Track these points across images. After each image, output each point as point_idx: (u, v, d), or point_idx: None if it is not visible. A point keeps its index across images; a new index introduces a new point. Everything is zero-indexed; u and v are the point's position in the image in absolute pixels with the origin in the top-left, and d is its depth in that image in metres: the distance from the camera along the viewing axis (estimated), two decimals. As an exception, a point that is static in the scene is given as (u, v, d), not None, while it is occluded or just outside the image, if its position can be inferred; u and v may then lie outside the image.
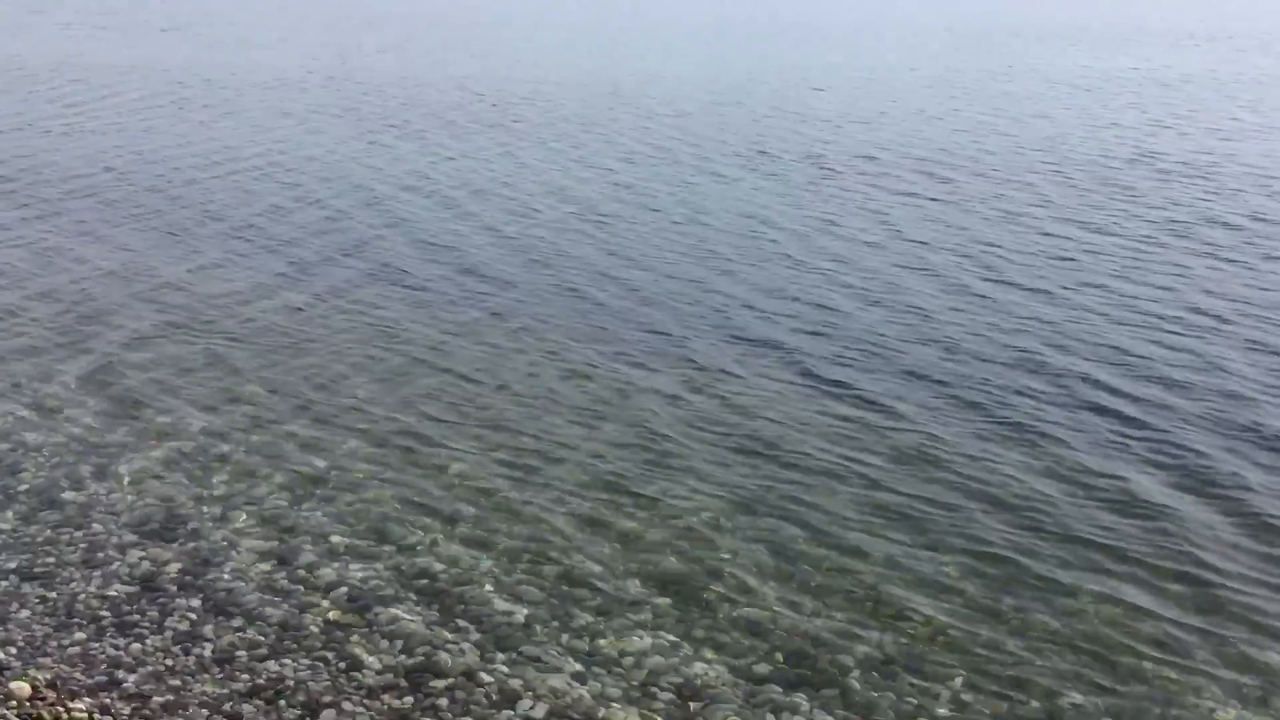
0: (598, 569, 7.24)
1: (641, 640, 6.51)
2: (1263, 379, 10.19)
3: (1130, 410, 9.56)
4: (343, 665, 6.26)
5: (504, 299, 12.67)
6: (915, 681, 6.18)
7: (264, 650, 6.39)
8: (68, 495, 8.09)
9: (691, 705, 5.98)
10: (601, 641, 6.48)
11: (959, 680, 6.18)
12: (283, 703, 5.95)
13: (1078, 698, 6.04)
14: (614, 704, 5.98)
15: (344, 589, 6.97)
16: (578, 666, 6.28)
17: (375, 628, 6.60)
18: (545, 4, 63.30)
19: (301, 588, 7.01)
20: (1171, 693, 6.10)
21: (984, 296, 12.67)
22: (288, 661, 6.29)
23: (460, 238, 15.24)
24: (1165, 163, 20.39)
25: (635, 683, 6.16)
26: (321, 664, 6.27)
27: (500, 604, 6.84)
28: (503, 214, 16.59)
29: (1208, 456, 8.71)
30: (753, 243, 15.07)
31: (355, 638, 6.51)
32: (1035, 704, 6.01)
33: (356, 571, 7.18)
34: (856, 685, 6.14)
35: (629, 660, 6.34)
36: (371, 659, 6.32)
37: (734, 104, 27.82)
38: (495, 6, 61.40)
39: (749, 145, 22.33)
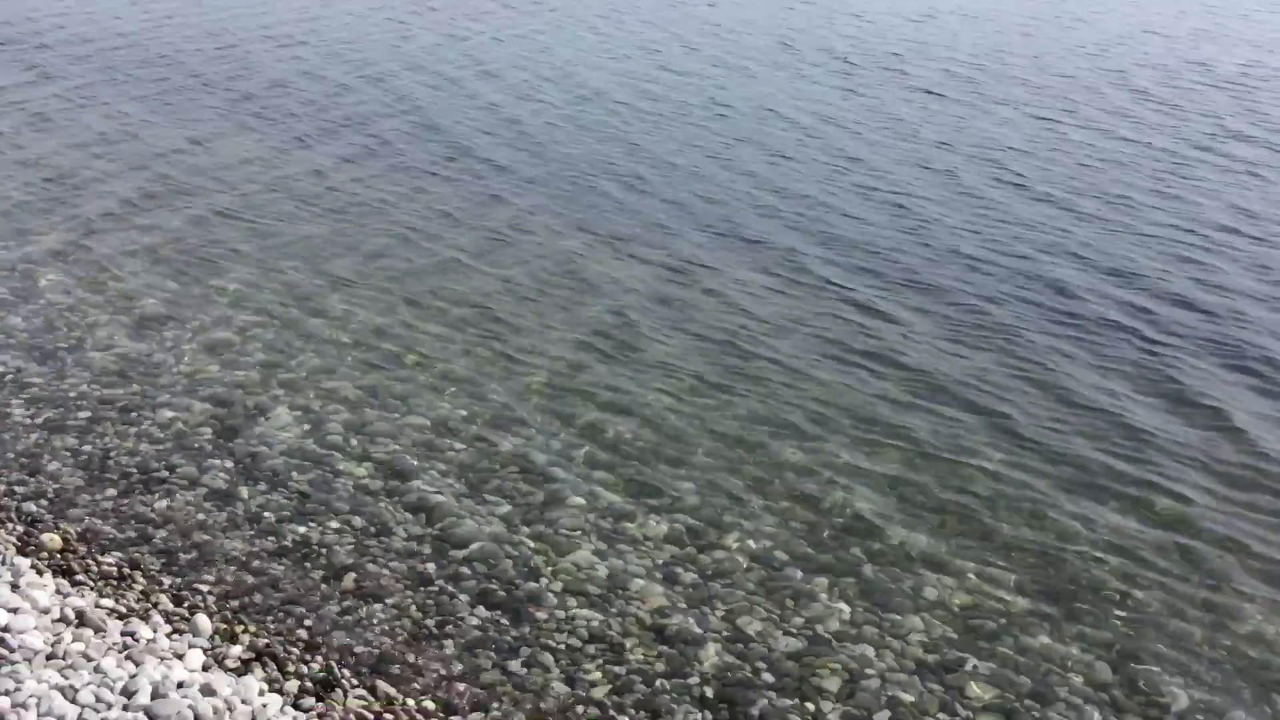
0: (620, 454, 7.32)
1: (662, 525, 6.61)
2: (1265, 302, 10.06)
3: (1122, 323, 9.45)
4: (372, 529, 6.39)
5: (499, 182, 12.63)
6: (927, 571, 6.28)
7: (290, 512, 6.51)
8: (98, 355, 8.20)
9: (711, 586, 6.09)
10: (628, 524, 6.58)
11: (930, 585, 6.28)
12: (308, 564, 6.07)
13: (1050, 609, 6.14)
14: (637, 579, 6.10)
15: (374, 460, 7.08)
16: (601, 545, 6.38)
17: (400, 497, 6.71)
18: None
19: (336, 453, 7.12)
20: (1135, 614, 6.19)
21: (991, 202, 12.45)
22: (314, 524, 6.41)
23: (463, 119, 15.14)
24: (1203, 74, 19.74)
25: (659, 562, 6.27)
26: (348, 528, 6.40)
27: (524, 485, 6.94)
28: (509, 97, 16.42)
29: (1193, 375, 8.66)
30: (764, 136, 14.83)
31: (383, 504, 6.63)
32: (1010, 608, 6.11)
33: (386, 442, 7.28)
34: (870, 574, 6.26)
35: (649, 544, 6.44)
36: (399, 527, 6.43)
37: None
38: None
39: (775, 38, 21.86)
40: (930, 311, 9.66)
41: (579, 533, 6.49)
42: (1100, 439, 7.74)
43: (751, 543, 6.49)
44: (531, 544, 6.35)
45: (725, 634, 5.74)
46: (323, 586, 5.92)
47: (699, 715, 5.20)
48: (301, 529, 6.37)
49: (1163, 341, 9.22)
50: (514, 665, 5.43)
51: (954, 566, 6.36)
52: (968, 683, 5.50)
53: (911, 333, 9.24)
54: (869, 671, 5.53)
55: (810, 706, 5.30)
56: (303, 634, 5.55)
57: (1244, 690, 5.57)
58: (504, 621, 5.72)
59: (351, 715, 4.92)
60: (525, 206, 11.87)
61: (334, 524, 6.42)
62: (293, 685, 5.09)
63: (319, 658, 5.36)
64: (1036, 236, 11.51)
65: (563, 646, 5.58)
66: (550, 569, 6.14)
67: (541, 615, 5.78)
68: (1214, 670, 5.69)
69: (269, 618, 5.67)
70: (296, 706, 4.96)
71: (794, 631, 5.79)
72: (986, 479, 7.22)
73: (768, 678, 5.47)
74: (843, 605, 6.00)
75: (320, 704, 4.98)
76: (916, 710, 5.32)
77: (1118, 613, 6.06)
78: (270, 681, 5.11)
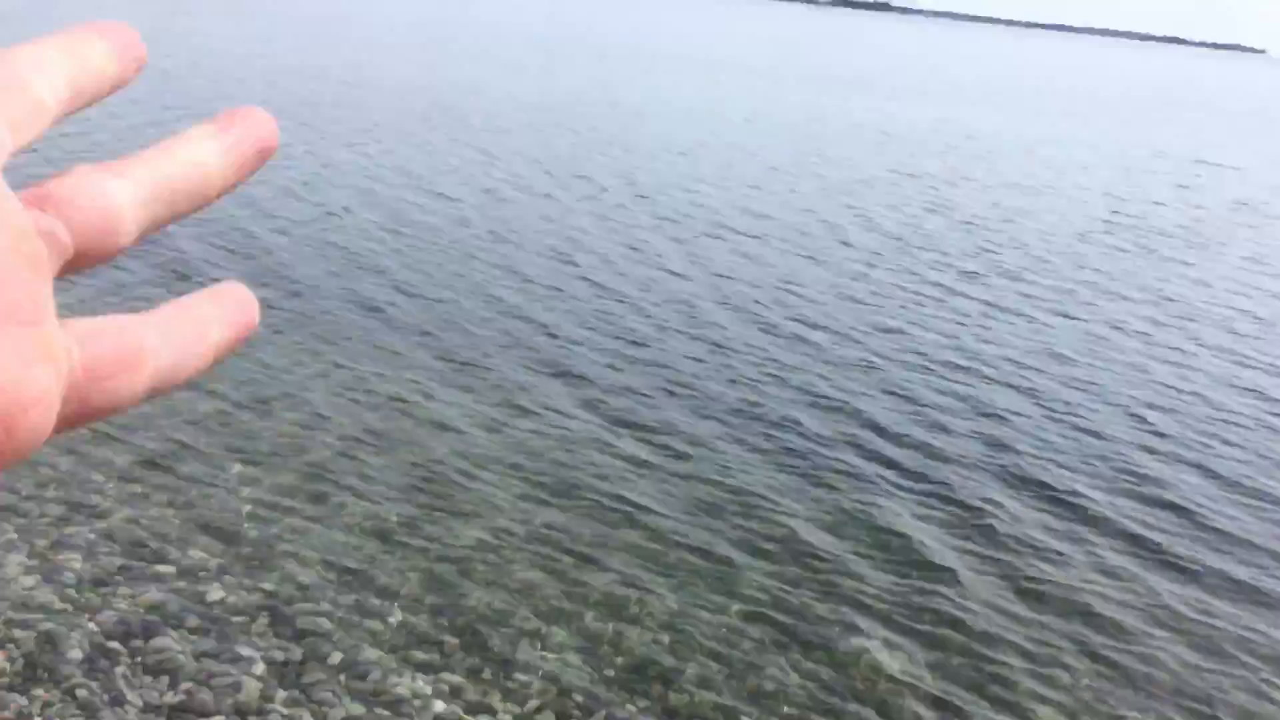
0: (384, 603, 6.98)
1: (430, 682, 6.30)
2: (1035, 424, 10.72)
3: (917, 455, 9.89)
4: (106, 699, 5.83)
5: (286, 310, 12.16)
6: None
7: (10, 678, 5.89)
8: None
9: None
10: (392, 679, 6.25)
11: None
12: (30, 739, 5.50)
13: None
14: (401, 743, 5.78)
15: (111, 613, 6.52)
16: (360, 709, 6.03)
17: (142, 657, 6.18)
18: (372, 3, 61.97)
19: (69, 605, 6.53)
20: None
21: (787, 334, 12.95)
22: (39, 693, 5.82)
23: (251, 239, 14.62)
24: (961, 214, 21.45)
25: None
26: (74, 697, 5.82)
27: (278, 638, 6.52)
28: (297, 217, 16.04)
29: (971, 495, 9.07)
30: (559, 267, 15.00)
31: (120, 669, 6.08)
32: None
33: (126, 594, 6.73)
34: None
35: (418, 702, 6.13)
36: (133, 694, 5.91)
37: (555, 124, 27.83)
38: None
39: (566, 167, 22.34)
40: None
41: (336, 694, 6.11)
42: (896, 569, 7.91)
43: (518, 704, 6.23)
44: (284, 711, 5.94)
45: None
46: (43, 771, 5.36)
47: None
48: (22, 700, 5.77)
49: (935, 462, 9.61)
50: None
51: (735, 712, 6.30)
52: None
53: (726, 479, 9.30)
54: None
55: None
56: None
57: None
58: (249, 804, 5.30)
59: None
60: (298, 340, 11.47)
61: (56, 693, 5.83)
62: None
63: None
64: (832, 367, 11.91)
65: (311, 830, 5.20)
66: (303, 739, 5.76)
67: (289, 796, 5.39)
68: None
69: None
70: None
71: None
72: (764, 615, 7.24)
73: None
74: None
75: None
76: None
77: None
78: None
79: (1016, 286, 16.19)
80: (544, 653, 6.64)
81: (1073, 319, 14.91)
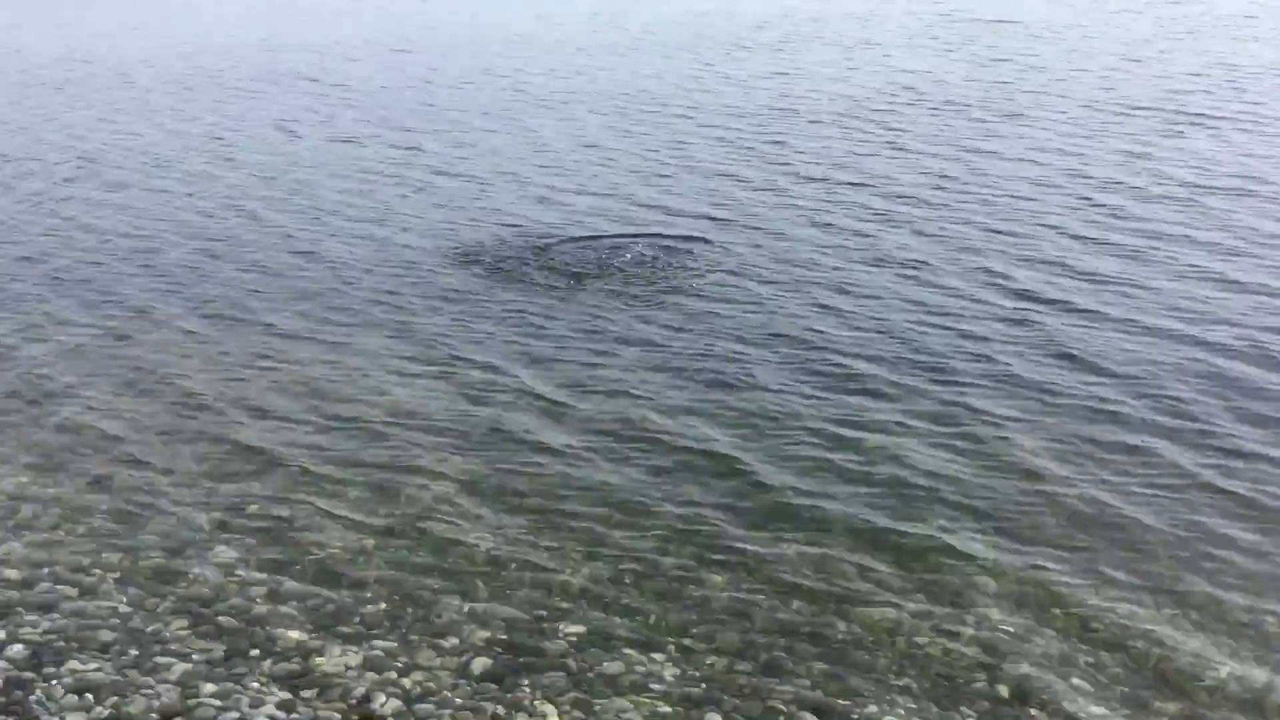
0: (298, 585, 6.93)
1: (355, 655, 6.27)
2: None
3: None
4: (26, 728, 5.69)
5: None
6: (631, 651, 6.25)
7: (-75, 724, 5.73)
8: None
9: (417, 709, 5.80)
10: (316, 659, 6.20)
11: (671, 646, 6.32)
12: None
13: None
14: (337, 727, 5.74)
15: (18, 645, 6.35)
16: (286, 695, 5.96)
17: (55, 681, 6.02)
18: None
19: (-29, 647, 6.33)
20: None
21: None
22: (-47, 736, 5.66)
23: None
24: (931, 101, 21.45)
25: (353, 701, 5.91)
26: (-3, 730, 5.69)
27: (198, 638, 6.41)
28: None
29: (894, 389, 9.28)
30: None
31: (33, 698, 5.91)
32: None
33: (33, 622, 6.55)
34: (574, 665, 6.17)
35: (350, 674, 6.08)
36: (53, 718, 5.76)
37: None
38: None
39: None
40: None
41: (264, 682, 6.02)
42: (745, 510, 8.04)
43: (451, 658, 6.23)
44: (215, 704, 5.84)
45: (434, 762, 5.49)
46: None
47: None
48: (-63, 747, 5.61)
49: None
50: None
51: (656, 643, 6.35)
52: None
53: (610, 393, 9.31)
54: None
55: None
56: None
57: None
58: (189, 804, 5.23)
59: None
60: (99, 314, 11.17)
61: (-21, 730, 5.70)
62: None
63: None
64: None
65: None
66: (236, 731, 5.68)
67: (229, 790, 5.33)
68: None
69: None
70: None
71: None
72: (667, 551, 7.30)
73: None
74: (548, 705, 5.83)
75: None
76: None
77: (809, 661, 6.23)
78: None
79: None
80: (471, 607, 6.67)
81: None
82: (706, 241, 13.38)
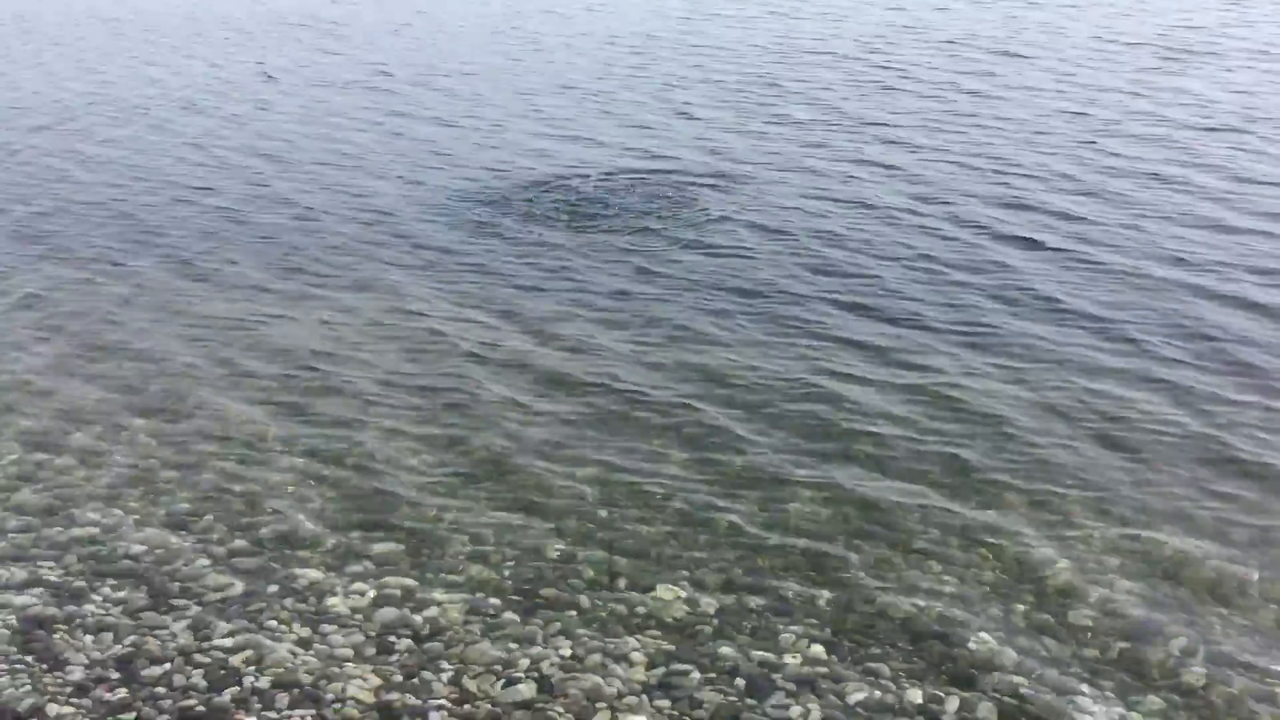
0: (313, 524, 7.01)
1: (369, 593, 6.36)
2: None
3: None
4: (45, 665, 5.78)
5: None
6: (635, 592, 6.34)
7: (-52, 664, 5.81)
8: None
9: (429, 648, 5.91)
10: (331, 600, 6.29)
11: (684, 582, 6.43)
12: (-21, 718, 5.44)
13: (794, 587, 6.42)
14: (350, 661, 5.83)
15: (43, 584, 6.44)
16: (305, 630, 6.07)
17: (77, 622, 6.12)
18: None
19: (-10, 587, 6.43)
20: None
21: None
22: (-23, 674, 5.74)
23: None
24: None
25: (371, 635, 6.02)
26: (20, 667, 5.77)
27: (209, 583, 6.48)
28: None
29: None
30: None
31: (56, 637, 6.02)
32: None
33: (47, 565, 6.63)
34: (587, 602, 6.28)
35: (358, 617, 6.18)
36: (77, 655, 5.86)
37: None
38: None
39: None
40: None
41: (279, 621, 6.14)
42: (768, 418, 8.11)
43: (463, 593, 6.35)
44: (229, 644, 5.95)
45: (452, 697, 5.57)
46: (-2, 744, 5.32)
47: (433, 792, 5.04)
48: (-37, 683, 5.69)
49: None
50: (228, 785, 5.07)
51: (664, 578, 6.47)
52: (694, 693, 5.61)
53: (581, 345, 9.34)
54: (597, 705, 5.53)
55: (547, 753, 5.24)
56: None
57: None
58: (213, 737, 5.33)
59: None
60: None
61: (3, 666, 5.77)
62: None
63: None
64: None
65: (280, 751, 5.26)
66: (254, 667, 5.77)
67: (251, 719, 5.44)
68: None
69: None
70: None
71: (520, 677, 5.70)
72: (678, 496, 7.34)
73: (499, 734, 5.36)
74: (563, 640, 5.97)
75: None
76: (650, 733, 5.37)
77: (818, 600, 6.34)
78: None
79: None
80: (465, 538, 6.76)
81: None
82: (695, 186, 13.39)
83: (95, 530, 6.96)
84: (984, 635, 5.96)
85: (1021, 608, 6.19)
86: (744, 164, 14.25)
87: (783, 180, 13.54)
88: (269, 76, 20.65)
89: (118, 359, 9.31)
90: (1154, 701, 5.54)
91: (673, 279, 10.69)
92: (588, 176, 13.74)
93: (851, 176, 13.57)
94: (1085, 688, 5.60)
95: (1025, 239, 11.39)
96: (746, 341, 9.35)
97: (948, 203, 12.54)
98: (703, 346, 9.28)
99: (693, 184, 13.47)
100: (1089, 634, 5.98)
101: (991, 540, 6.75)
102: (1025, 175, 13.38)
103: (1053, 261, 10.84)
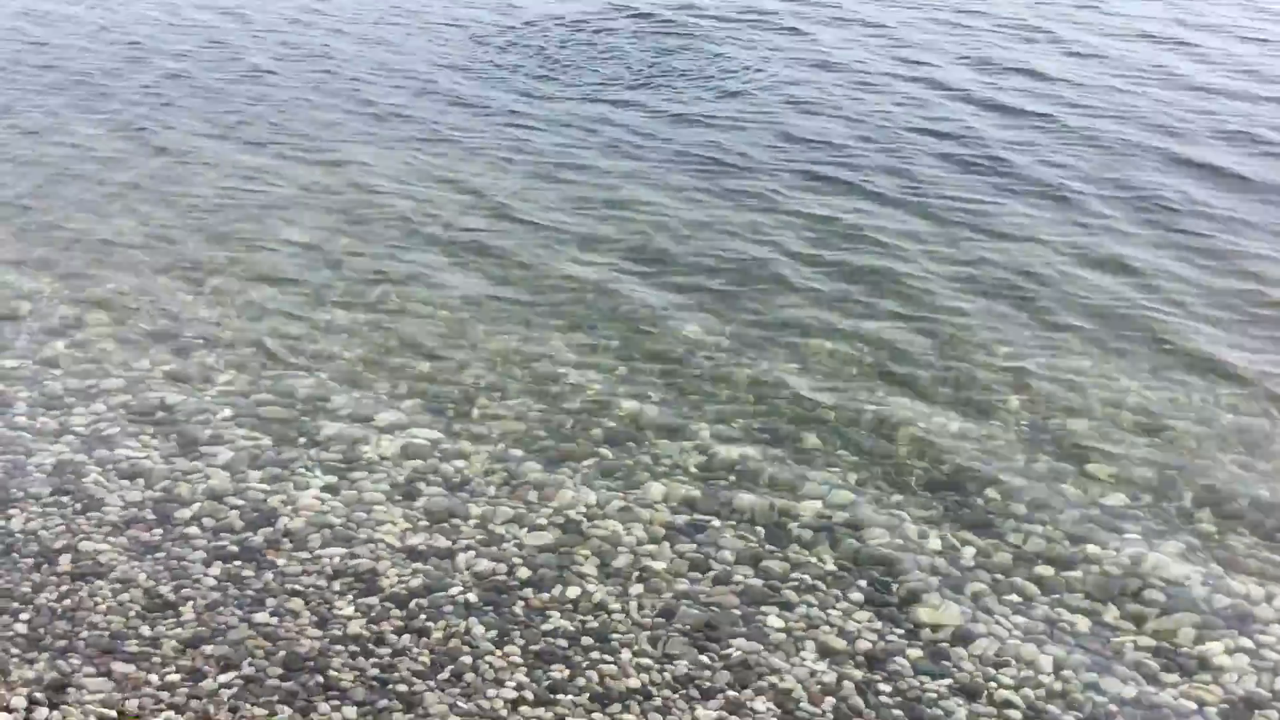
0: (337, 379, 7.08)
1: (397, 441, 6.46)
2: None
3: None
4: (80, 505, 5.92)
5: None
6: (663, 440, 6.43)
7: (-17, 507, 5.94)
8: None
9: (456, 496, 6.02)
10: (362, 448, 6.39)
11: (704, 433, 6.49)
12: (15, 554, 5.57)
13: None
14: (379, 504, 5.96)
15: (72, 433, 6.54)
16: (331, 478, 6.17)
17: (110, 466, 6.24)
18: None
19: (24, 433, 6.52)
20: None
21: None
22: (15, 510, 5.87)
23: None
24: None
25: (400, 481, 6.14)
26: (54, 508, 5.90)
27: (242, 429, 6.58)
28: None
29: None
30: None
31: (90, 477, 6.14)
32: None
33: (81, 413, 6.73)
34: (609, 453, 6.37)
35: (387, 463, 6.28)
36: (112, 497, 5.98)
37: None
38: None
39: None
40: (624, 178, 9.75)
41: (310, 467, 6.25)
42: (812, 296, 8.10)
43: (489, 445, 6.44)
44: (264, 488, 6.07)
45: (478, 539, 5.70)
46: (34, 576, 5.45)
47: (461, 625, 5.16)
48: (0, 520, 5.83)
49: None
50: (261, 617, 5.18)
51: (686, 430, 6.54)
52: (716, 539, 5.71)
53: (628, 209, 9.31)
54: (618, 550, 5.65)
55: (571, 592, 5.36)
56: (20, 629, 5.10)
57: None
58: (245, 574, 5.45)
59: (92, 718, 4.60)
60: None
61: (36, 508, 5.91)
62: (20, 700, 4.69)
63: (43, 654, 4.96)
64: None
65: (311, 588, 5.37)
66: (289, 509, 5.90)
67: (282, 561, 5.56)
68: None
69: (-18, 619, 5.17)
70: (29, 720, 4.59)
71: (544, 524, 5.82)
72: (701, 340, 7.43)
73: (525, 574, 5.47)
74: (586, 489, 6.07)
75: (56, 711, 4.62)
76: (670, 574, 5.50)
77: (840, 449, 6.42)
78: (-8, 699, 4.69)
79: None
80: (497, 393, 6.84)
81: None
82: (663, 35, 13.32)
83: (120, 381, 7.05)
84: (1004, 481, 6.06)
85: (1043, 456, 6.28)
86: (717, 16, 14.06)
87: (751, 40, 13.36)
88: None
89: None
90: (1174, 544, 5.65)
91: (658, 148, 10.54)
92: (560, 20, 13.56)
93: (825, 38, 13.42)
94: (1102, 534, 5.70)
95: (1008, 107, 11.29)
96: (757, 204, 9.31)
97: (928, 64, 12.45)
98: (719, 210, 9.26)
99: (660, 32, 13.37)
100: (1108, 484, 6.07)
101: (1011, 392, 6.84)
102: (1016, 36, 13.22)
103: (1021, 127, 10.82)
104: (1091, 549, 5.59)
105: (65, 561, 5.52)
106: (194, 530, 5.75)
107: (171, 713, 4.64)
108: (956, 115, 11.03)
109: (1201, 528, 5.76)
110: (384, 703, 4.73)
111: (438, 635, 5.09)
